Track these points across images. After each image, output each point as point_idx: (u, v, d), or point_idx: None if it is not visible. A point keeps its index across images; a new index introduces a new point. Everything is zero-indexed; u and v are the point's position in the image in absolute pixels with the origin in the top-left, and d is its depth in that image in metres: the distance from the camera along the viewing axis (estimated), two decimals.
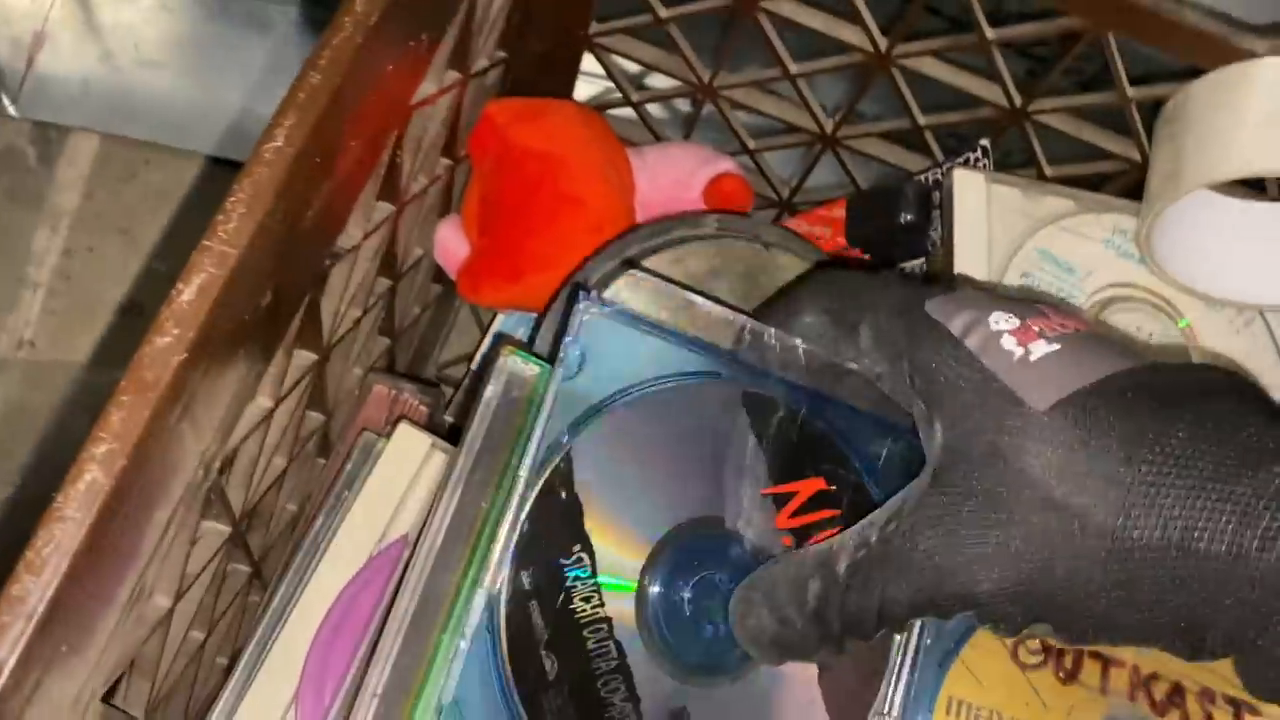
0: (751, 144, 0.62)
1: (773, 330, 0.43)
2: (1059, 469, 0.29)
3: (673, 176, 0.60)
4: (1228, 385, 0.31)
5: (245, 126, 0.72)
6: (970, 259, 0.50)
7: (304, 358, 0.41)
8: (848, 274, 0.40)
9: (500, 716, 0.37)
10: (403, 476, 0.46)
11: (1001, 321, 0.32)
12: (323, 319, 0.41)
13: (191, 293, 0.29)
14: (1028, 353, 0.31)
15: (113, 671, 0.33)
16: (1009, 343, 0.31)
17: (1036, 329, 0.32)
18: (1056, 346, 0.31)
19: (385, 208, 0.44)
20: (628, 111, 0.63)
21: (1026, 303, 0.34)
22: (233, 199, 0.30)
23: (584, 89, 0.66)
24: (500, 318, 0.64)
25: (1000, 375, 0.31)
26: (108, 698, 0.35)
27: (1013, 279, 0.51)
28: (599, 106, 0.62)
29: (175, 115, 0.72)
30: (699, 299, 0.43)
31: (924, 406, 0.33)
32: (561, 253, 0.56)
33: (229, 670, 0.46)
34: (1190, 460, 0.28)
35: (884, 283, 0.37)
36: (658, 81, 0.63)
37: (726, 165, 0.60)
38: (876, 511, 0.34)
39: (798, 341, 0.43)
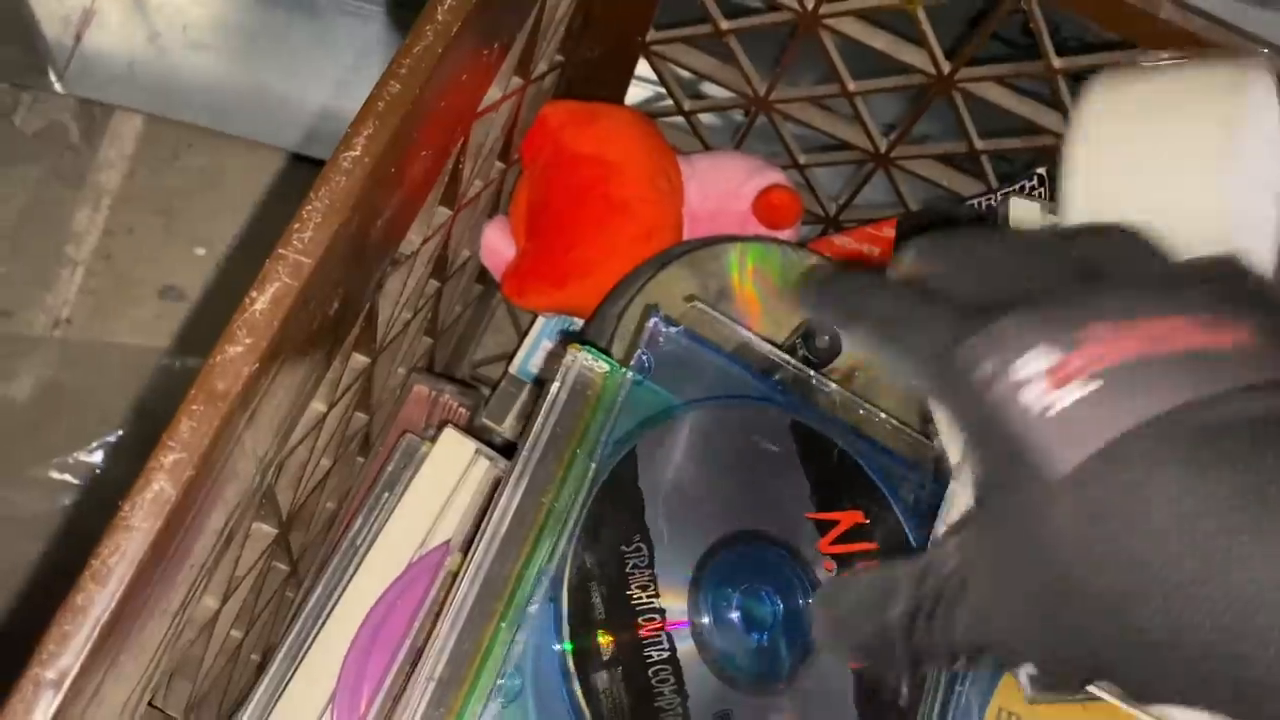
0: (802, 158, 0.62)
1: (812, 372, 0.45)
2: (1076, 543, 0.25)
3: (722, 186, 0.59)
4: None
5: (290, 112, 0.72)
6: None
7: (358, 361, 0.41)
8: (883, 298, 0.32)
9: (556, 691, 0.38)
10: (446, 482, 0.46)
11: (1031, 365, 0.27)
12: (378, 323, 0.40)
13: (265, 302, 0.29)
14: (1052, 404, 0.26)
15: (162, 675, 0.33)
16: (1034, 394, 0.26)
17: (1079, 362, 0.26)
18: (1096, 385, 0.26)
19: (443, 212, 0.44)
20: (678, 118, 0.62)
21: (1084, 318, 0.27)
22: (309, 207, 0.30)
23: (634, 93, 0.65)
24: (540, 320, 0.64)
25: (1018, 436, 0.26)
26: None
27: None
28: (649, 113, 0.62)
29: (220, 98, 0.72)
30: (752, 336, 0.45)
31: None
32: (609, 259, 0.55)
33: (261, 667, 0.46)
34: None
35: (915, 316, 0.31)
36: (710, 89, 0.62)
37: (776, 177, 0.59)
38: (939, 551, 0.33)
39: (833, 385, 0.45)
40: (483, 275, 0.62)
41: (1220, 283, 0.29)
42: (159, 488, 0.27)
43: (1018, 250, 0.32)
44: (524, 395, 0.63)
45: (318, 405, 0.38)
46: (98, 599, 0.26)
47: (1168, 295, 0.28)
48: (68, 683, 0.25)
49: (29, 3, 0.70)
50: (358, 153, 0.31)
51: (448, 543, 0.45)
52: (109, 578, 0.26)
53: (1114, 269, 0.30)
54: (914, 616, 0.30)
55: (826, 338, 0.45)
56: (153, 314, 0.68)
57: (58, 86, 0.70)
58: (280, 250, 0.30)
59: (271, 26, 0.73)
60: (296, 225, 0.30)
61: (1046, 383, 0.26)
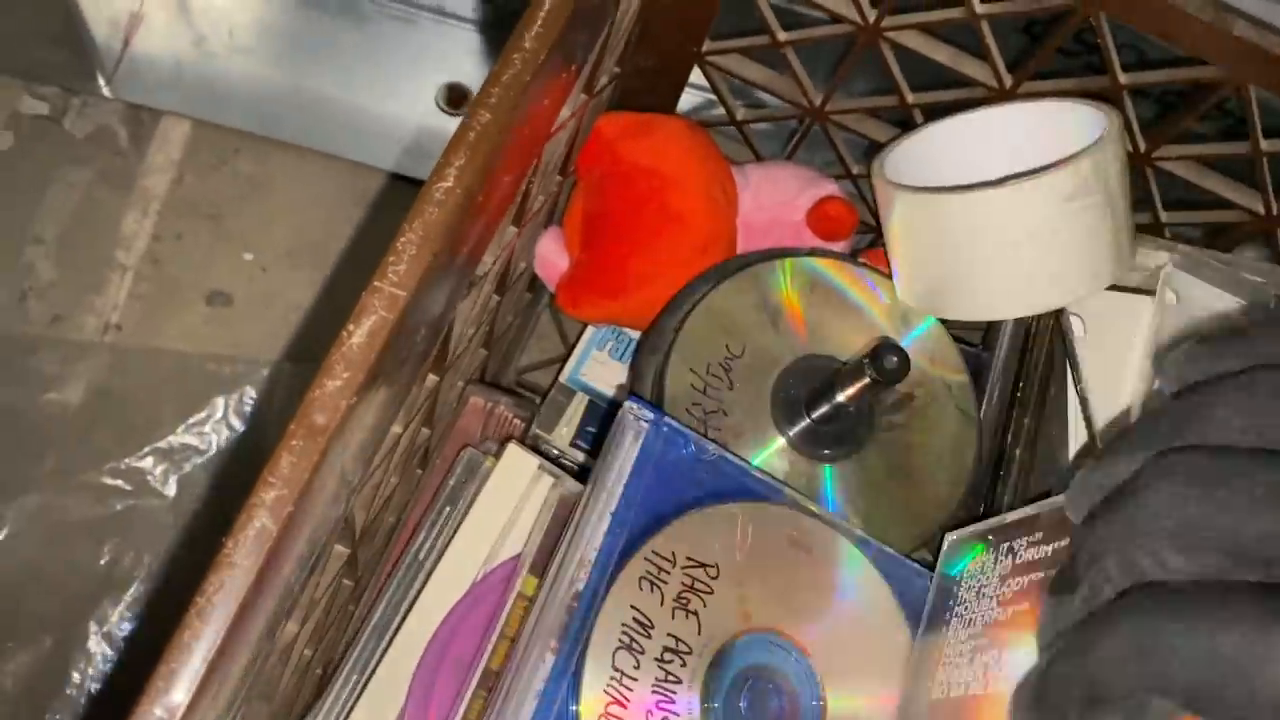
0: (856, 169, 0.61)
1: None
2: None
3: (777, 197, 0.59)
4: None
5: (336, 117, 0.72)
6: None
7: (429, 381, 0.41)
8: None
9: None
10: (510, 499, 0.46)
11: None
12: (451, 344, 0.40)
13: (362, 335, 0.29)
14: None
15: (247, 699, 0.33)
16: None
17: None
18: None
19: (511, 231, 0.43)
20: (729, 126, 0.62)
21: None
22: (403, 239, 0.30)
23: (685, 99, 0.65)
24: (590, 330, 0.64)
25: None
26: None
27: None
28: (701, 120, 0.62)
29: (266, 103, 0.72)
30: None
31: None
32: (664, 271, 0.55)
33: (323, 680, 0.46)
34: None
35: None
36: (762, 97, 0.62)
37: (831, 188, 0.59)
38: None
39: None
40: (533, 284, 0.62)
41: None
42: (261, 524, 0.27)
43: None
44: (573, 404, 0.63)
45: (395, 427, 0.38)
46: (204, 635, 0.26)
47: None
48: (177, 719, 0.26)
49: (79, 7, 0.70)
50: (450, 184, 0.31)
51: (516, 559, 0.45)
52: (213, 615, 0.27)
53: None
54: None
55: (894, 358, 0.45)
56: (201, 319, 0.68)
57: (106, 91, 0.70)
58: (376, 283, 0.30)
59: (317, 31, 0.73)
60: (391, 258, 0.30)
61: None
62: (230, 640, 0.27)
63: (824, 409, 0.49)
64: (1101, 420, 0.47)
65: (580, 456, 0.58)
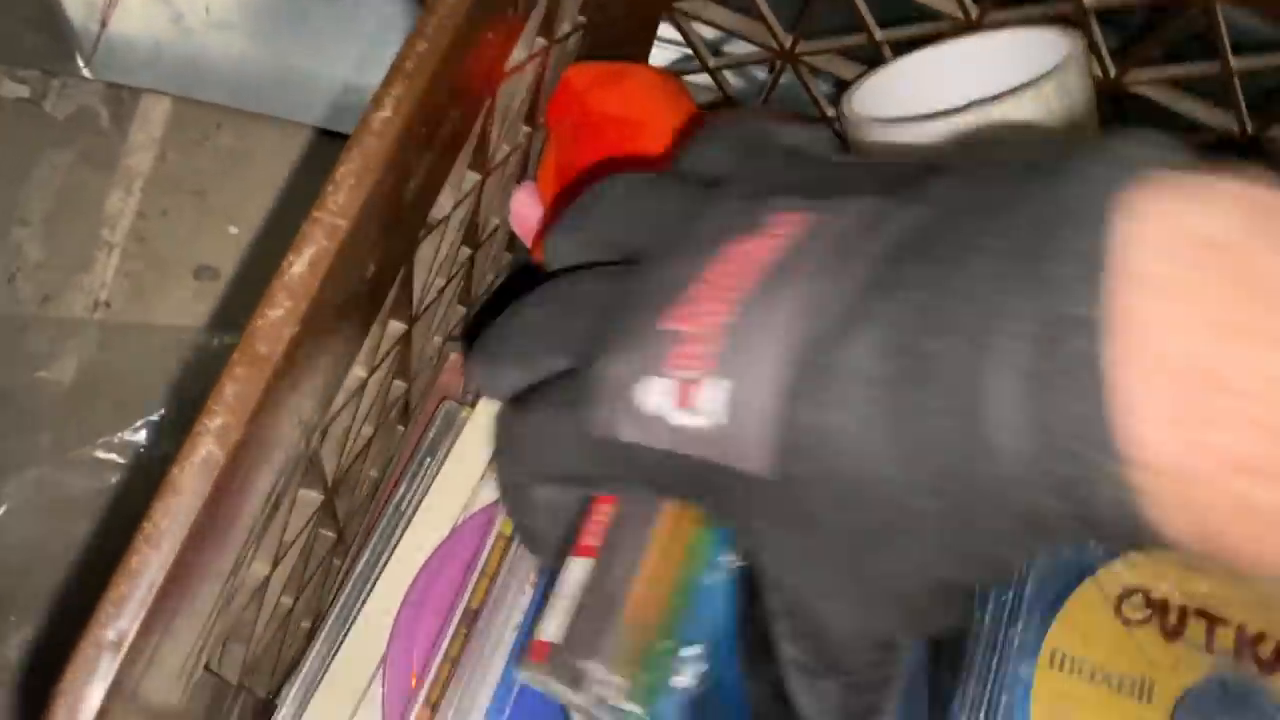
0: (830, 111, 0.61)
1: None
2: (829, 501, 0.25)
3: None
4: None
5: (316, 89, 0.72)
6: None
7: (395, 328, 0.41)
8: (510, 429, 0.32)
9: None
10: (486, 446, 0.46)
11: (653, 395, 0.26)
12: (413, 290, 0.40)
13: (303, 265, 0.29)
14: (710, 417, 0.25)
15: (217, 639, 0.34)
16: (683, 418, 0.26)
17: (688, 366, 0.26)
18: (726, 384, 0.25)
19: (473, 177, 0.44)
20: (703, 77, 0.62)
21: (661, 328, 0.27)
22: (342, 169, 0.30)
23: (658, 54, 0.65)
24: None
25: (706, 462, 0.25)
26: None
27: None
28: (675, 73, 0.61)
29: (246, 78, 0.72)
30: None
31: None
32: None
33: (311, 633, 0.47)
34: None
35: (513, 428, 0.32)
36: (735, 47, 0.61)
37: None
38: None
39: None
40: (512, 244, 0.62)
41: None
42: (206, 451, 0.28)
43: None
44: None
45: (358, 371, 0.38)
46: (152, 560, 0.27)
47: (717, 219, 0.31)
48: (127, 644, 0.26)
49: None
50: (389, 114, 0.31)
51: (494, 504, 0.45)
52: (161, 540, 0.27)
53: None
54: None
55: None
56: (190, 293, 0.69)
57: (86, 72, 0.71)
58: (315, 214, 0.30)
59: (295, 5, 0.73)
60: (330, 188, 0.30)
61: (679, 394, 0.25)
62: (180, 567, 0.27)
63: None
64: None
65: None
